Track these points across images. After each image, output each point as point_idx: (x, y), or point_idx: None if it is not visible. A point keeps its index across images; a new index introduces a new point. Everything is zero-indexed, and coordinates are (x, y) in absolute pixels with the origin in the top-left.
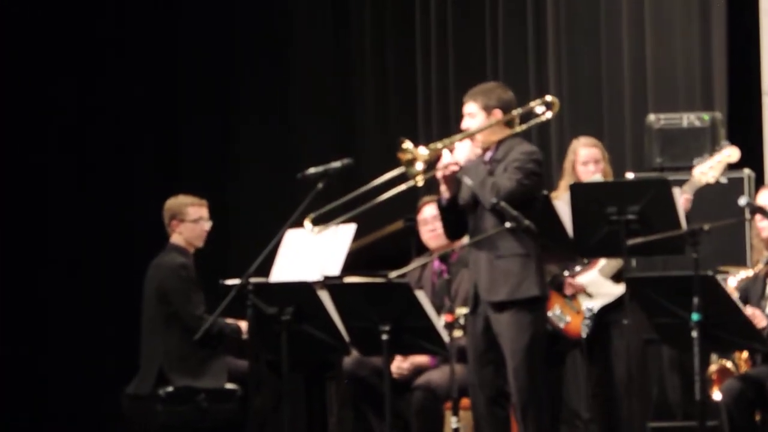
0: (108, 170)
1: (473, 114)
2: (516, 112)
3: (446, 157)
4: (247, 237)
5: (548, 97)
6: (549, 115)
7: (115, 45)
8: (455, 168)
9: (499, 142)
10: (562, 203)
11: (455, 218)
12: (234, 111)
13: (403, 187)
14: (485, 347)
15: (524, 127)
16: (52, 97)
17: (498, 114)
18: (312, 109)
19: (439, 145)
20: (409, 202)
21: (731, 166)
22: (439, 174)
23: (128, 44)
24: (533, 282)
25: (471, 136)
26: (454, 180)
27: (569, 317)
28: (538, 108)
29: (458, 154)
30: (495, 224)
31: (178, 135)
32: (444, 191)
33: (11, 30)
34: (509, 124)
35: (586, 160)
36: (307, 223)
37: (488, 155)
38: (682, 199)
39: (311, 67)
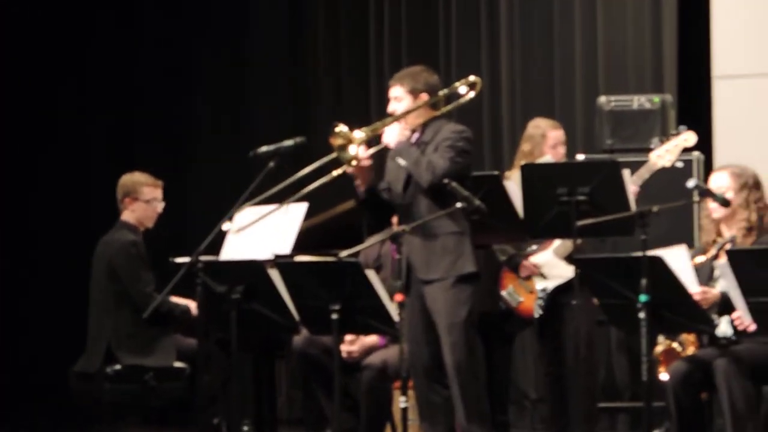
0: (64, 151)
1: (400, 98)
2: (441, 93)
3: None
4: (199, 216)
5: (471, 78)
6: (472, 94)
7: (74, 30)
8: (367, 162)
9: (426, 124)
10: (512, 184)
11: (377, 206)
12: (191, 94)
13: (335, 173)
14: (423, 327)
15: (449, 107)
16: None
17: (424, 97)
18: (267, 92)
19: (369, 128)
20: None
21: (684, 150)
22: (350, 169)
23: (88, 29)
24: (468, 259)
25: (399, 119)
26: (367, 171)
27: (522, 297)
28: (462, 88)
29: (389, 136)
30: (429, 204)
31: (134, 117)
32: (359, 185)
33: None
34: (435, 106)
35: (555, 142)
36: (227, 223)
37: (415, 137)
38: (632, 186)
39: (266, 52)
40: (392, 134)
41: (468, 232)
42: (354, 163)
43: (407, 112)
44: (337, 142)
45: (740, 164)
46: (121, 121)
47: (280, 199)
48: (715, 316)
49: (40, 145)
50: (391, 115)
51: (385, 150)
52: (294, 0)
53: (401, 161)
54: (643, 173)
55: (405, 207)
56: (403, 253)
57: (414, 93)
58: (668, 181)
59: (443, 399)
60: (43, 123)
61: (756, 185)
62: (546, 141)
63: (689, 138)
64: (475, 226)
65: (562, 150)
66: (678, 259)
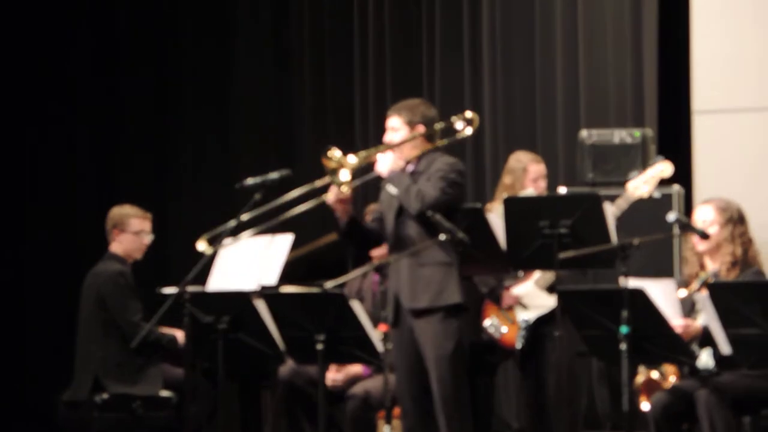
0: (53, 183)
1: (396, 128)
2: (438, 126)
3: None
4: (186, 248)
5: (468, 113)
6: (469, 131)
7: (64, 61)
8: (347, 195)
9: (421, 156)
10: (495, 216)
11: (360, 237)
12: (175, 126)
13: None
14: (412, 358)
15: (445, 141)
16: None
17: (420, 129)
18: (251, 124)
19: (362, 155)
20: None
21: (662, 182)
22: (330, 199)
23: (75, 61)
24: (455, 290)
25: (393, 148)
26: (346, 203)
27: (505, 328)
28: (459, 123)
29: (382, 165)
30: (418, 232)
31: (119, 149)
32: (340, 215)
33: None
34: (431, 138)
35: (536, 176)
36: (200, 243)
37: (410, 168)
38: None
39: (251, 84)
40: (385, 163)
41: (456, 263)
42: (344, 189)
43: (402, 142)
44: (330, 165)
45: (725, 198)
46: (106, 154)
47: (262, 224)
48: (696, 348)
49: (30, 179)
50: (385, 143)
51: (378, 179)
52: (278, 32)
53: (392, 189)
54: (621, 203)
55: (395, 236)
56: (391, 284)
57: (411, 124)
58: (649, 214)
59: (429, 428)
60: (32, 157)
61: (741, 219)
62: (527, 174)
63: (666, 168)
64: (459, 258)
65: (542, 183)
66: (665, 291)
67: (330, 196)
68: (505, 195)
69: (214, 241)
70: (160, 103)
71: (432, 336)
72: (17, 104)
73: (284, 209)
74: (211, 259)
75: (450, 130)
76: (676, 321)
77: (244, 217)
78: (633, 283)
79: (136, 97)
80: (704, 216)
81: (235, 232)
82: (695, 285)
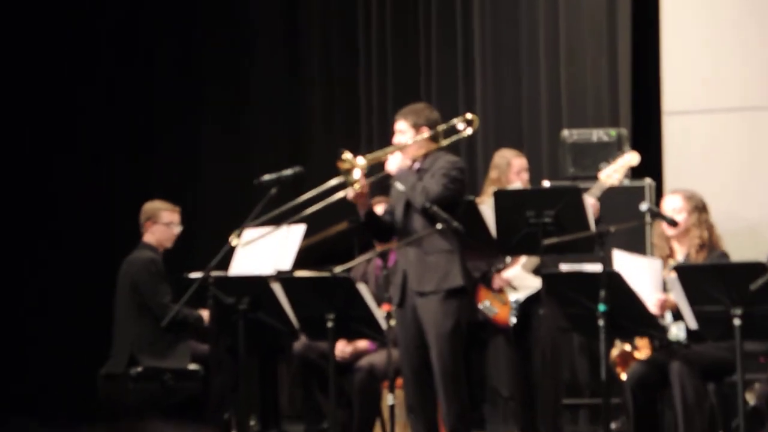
0: (92, 179)
1: (403, 131)
2: (441, 128)
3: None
4: (210, 237)
5: (468, 115)
6: (469, 131)
7: (94, 66)
8: (365, 190)
9: (425, 155)
10: (486, 207)
11: (377, 227)
12: (199, 129)
13: (341, 194)
14: (415, 334)
15: (448, 141)
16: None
17: (425, 131)
18: (266, 127)
19: (371, 156)
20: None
21: (635, 175)
22: (350, 195)
23: (107, 67)
24: (458, 274)
25: (401, 149)
26: (365, 197)
27: (497, 309)
28: (460, 125)
29: (391, 164)
30: (424, 224)
31: (152, 151)
32: (360, 207)
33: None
34: (434, 139)
35: (519, 169)
36: (232, 238)
37: (416, 166)
38: (591, 204)
39: (267, 90)
40: (394, 162)
41: (458, 250)
42: (356, 186)
43: (408, 144)
44: (344, 166)
45: (690, 189)
46: (141, 156)
47: (281, 220)
48: (667, 322)
49: (71, 177)
50: (394, 144)
51: (387, 177)
52: (290, 43)
53: (400, 186)
54: (595, 191)
55: (403, 227)
56: (399, 267)
57: (416, 127)
58: (624, 204)
59: (428, 398)
60: (69, 158)
61: (704, 207)
62: (511, 168)
63: (632, 158)
64: (460, 245)
65: (525, 176)
66: (651, 268)
67: (350, 193)
68: (492, 188)
69: (241, 234)
70: (187, 110)
71: (433, 315)
72: (56, 112)
73: (300, 206)
74: (233, 247)
75: (452, 130)
76: (657, 295)
77: (262, 210)
78: (625, 257)
79: (165, 104)
80: (673, 204)
81: (256, 225)
82: (665, 272)
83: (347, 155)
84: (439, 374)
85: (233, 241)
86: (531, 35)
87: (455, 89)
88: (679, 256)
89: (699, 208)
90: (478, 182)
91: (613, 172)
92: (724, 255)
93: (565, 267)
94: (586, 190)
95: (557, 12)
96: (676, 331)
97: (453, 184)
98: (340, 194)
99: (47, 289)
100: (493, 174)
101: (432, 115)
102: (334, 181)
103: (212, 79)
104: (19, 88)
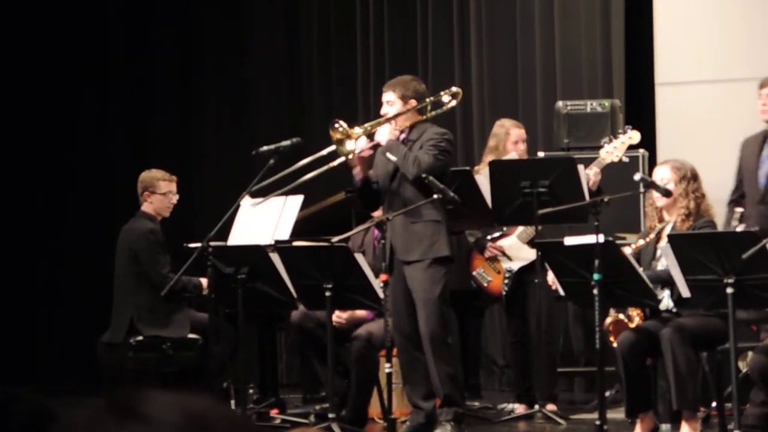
0: (92, 152)
1: (392, 102)
2: (428, 100)
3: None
4: (209, 207)
5: (453, 88)
6: (454, 103)
7: (99, 46)
8: (371, 151)
9: (412, 126)
10: (482, 177)
11: (369, 193)
12: (199, 100)
13: (334, 163)
14: (404, 302)
15: (434, 113)
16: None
17: (413, 102)
18: (265, 97)
19: (366, 127)
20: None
21: (629, 147)
22: (352, 159)
23: (111, 45)
24: (444, 244)
25: (390, 120)
26: (367, 160)
27: (491, 277)
28: (446, 97)
29: (381, 135)
30: (414, 193)
31: (149, 121)
32: (357, 173)
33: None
34: (421, 111)
35: (516, 139)
36: (246, 197)
37: (402, 136)
38: (592, 174)
39: (266, 61)
40: (384, 133)
41: (445, 220)
42: (351, 156)
43: (397, 115)
44: (336, 136)
45: (680, 159)
46: (138, 125)
47: (280, 188)
48: (659, 291)
49: (70, 148)
50: (382, 116)
51: (376, 146)
52: (290, 20)
53: (391, 156)
54: (595, 168)
55: (391, 196)
56: (387, 238)
57: (404, 99)
58: (618, 174)
59: (423, 364)
60: (69, 130)
61: (694, 177)
62: (509, 138)
63: (634, 136)
64: (451, 215)
65: (522, 146)
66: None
67: (356, 151)
68: (491, 156)
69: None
70: (184, 80)
71: (420, 282)
72: (58, 86)
73: (297, 174)
74: (232, 216)
75: (438, 103)
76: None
77: (260, 180)
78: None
79: (162, 76)
80: (661, 175)
81: (255, 194)
82: (652, 235)
83: (341, 124)
84: (426, 338)
85: (244, 201)
86: (526, 7)
87: (451, 61)
88: (668, 226)
89: (688, 178)
90: (475, 152)
91: (614, 149)
92: (711, 223)
93: (569, 241)
94: (580, 160)
95: None
96: (666, 300)
97: (443, 155)
98: (340, 160)
99: (47, 261)
100: (491, 142)
101: (419, 87)
102: (325, 151)
103: (211, 52)
104: (21, 58)
